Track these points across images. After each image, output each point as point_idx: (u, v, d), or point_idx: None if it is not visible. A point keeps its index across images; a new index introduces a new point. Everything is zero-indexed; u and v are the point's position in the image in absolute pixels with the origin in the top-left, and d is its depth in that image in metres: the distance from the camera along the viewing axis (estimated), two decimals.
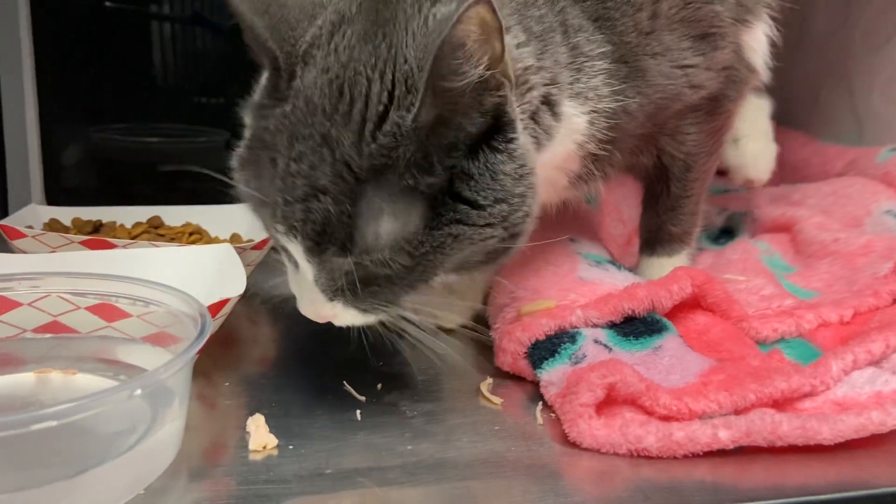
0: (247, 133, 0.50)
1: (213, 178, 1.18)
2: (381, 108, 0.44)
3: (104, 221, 0.82)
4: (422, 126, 0.44)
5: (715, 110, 0.69)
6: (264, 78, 0.50)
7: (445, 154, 0.46)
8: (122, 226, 0.81)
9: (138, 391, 0.40)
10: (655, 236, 0.76)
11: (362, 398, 0.55)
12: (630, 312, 0.61)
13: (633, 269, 0.77)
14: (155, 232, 0.79)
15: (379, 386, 0.57)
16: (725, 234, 0.90)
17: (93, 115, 1.11)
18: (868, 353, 0.56)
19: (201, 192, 1.03)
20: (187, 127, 1.18)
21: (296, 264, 0.50)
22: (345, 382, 0.57)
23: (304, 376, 0.58)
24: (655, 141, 0.68)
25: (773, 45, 0.70)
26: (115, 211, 0.84)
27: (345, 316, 0.50)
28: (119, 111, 1.15)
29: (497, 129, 0.48)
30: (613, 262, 0.74)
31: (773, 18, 0.70)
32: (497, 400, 0.56)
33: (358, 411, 0.53)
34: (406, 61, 0.45)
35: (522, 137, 0.49)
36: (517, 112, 0.49)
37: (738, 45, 0.67)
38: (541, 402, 0.56)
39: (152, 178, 1.12)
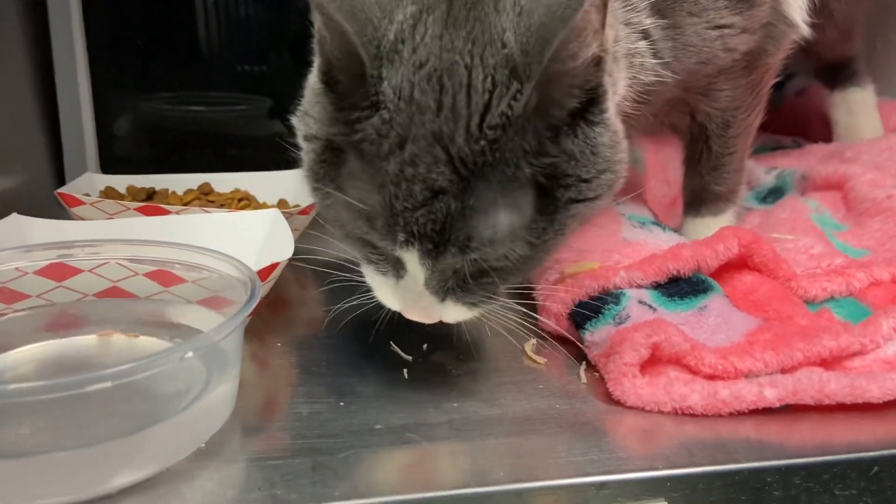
0: (314, 146, 0.48)
1: (259, 145, 1.19)
2: (486, 96, 0.42)
3: (157, 189, 0.85)
4: (530, 111, 0.43)
5: (752, 65, 0.67)
6: (321, 84, 0.47)
7: (550, 135, 0.44)
8: (173, 193, 0.84)
9: (189, 353, 0.41)
10: (699, 196, 0.75)
11: (409, 357, 0.56)
12: (675, 273, 0.61)
13: (678, 230, 0.77)
14: (206, 198, 0.81)
15: (424, 346, 0.58)
16: (774, 193, 0.88)
17: (142, 85, 1.13)
18: None
19: (247, 159, 1.05)
20: (231, 95, 1.19)
21: (396, 273, 0.48)
22: (391, 343, 0.58)
23: (351, 338, 0.60)
24: (687, 101, 0.66)
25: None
26: (167, 178, 0.87)
27: (454, 313, 0.49)
28: (166, 80, 1.16)
29: (592, 101, 0.46)
30: (658, 222, 0.73)
31: None
32: (541, 360, 0.57)
33: (405, 370, 0.55)
34: (505, 45, 0.43)
35: (611, 104, 0.48)
36: (608, 81, 0.48)
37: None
38: (584, 362, 0.56)
39: (200, 146, 1.14)
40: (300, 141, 0.51)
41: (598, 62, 0.45)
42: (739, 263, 0.64)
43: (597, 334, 0.57)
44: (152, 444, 0.42)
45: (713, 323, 0.58)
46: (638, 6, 0.55)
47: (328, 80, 0.46)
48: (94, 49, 1.01)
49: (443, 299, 0.48)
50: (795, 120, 1.07)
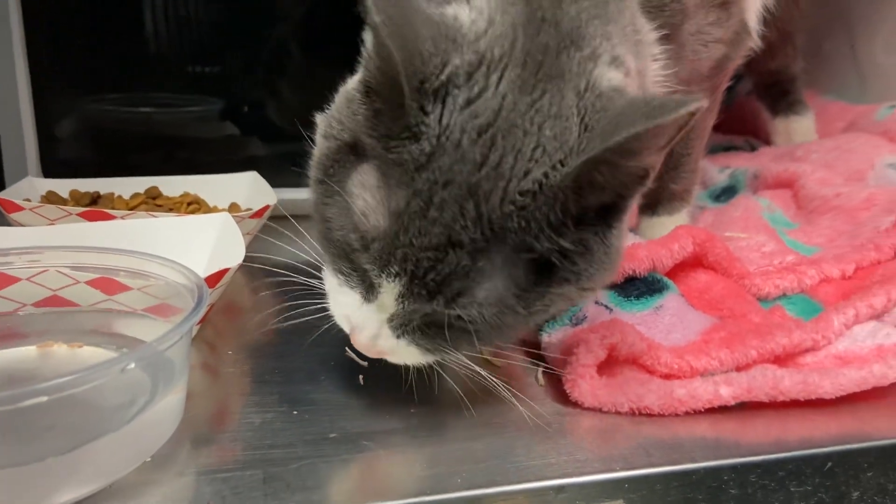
0: (331, 143, 0.47)
1: (210, 148, 1.17)
2: (530, 164, 0.42)
3: (102, 193, 0.82)
4: (566, 185, 0.41)
5: (717, 71, 0.69)
6: (359, 94, 0.46)
7: (574, 221, 0.43)
8: (119, 197, 0.81)
9: (131, 365, 0.40)
10: (656, 196, 0.75)
11: (364, 363, 0.55)
12: (631, 273, 0.61)
13: (634, 230, 0.77)
14: (153, 202, 0.79)
15: None
16: (727, 191, 0.90)
17: (87, 86, 1.09)
18: (870, 308, 0.56)
19: (198, 162, 1.03)
20: (181, 96, 1.17)
21: (365, 295, 0.46)
22: (347, 349, 0.57)
23: (306, 344, 0.59)
24: None
25: (766, 8, 0.71)
26: (113, 182, 0.84)
27: (404, 353, 0.47)
28: (114, 81, 1.13)
29: (618, 207, 0.45)
30: None
31: None
32: (499, 362, 0.56)
33: (361, 376, 0.54)
34: (567, 120, 0.43)
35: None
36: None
37: (741, 10, 0.67)
38: (542, 364, 0.56)
39: (149, 148, 1.11)
40: (317, 137, 0.49)
41: (645, 176, 0.44)
42: (694, 262, 0.65)
43: (554, 335, 0.56)
44: (95, 459, 0.40)
45: (669, 322, 0.58)
46: (649, 38, 0.55)
47: (367, 92, 0.45)
48: (33, 47, 0.97)
49: (399, 336, 0.46)
50: (746, 118, 1.09)
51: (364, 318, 0.47)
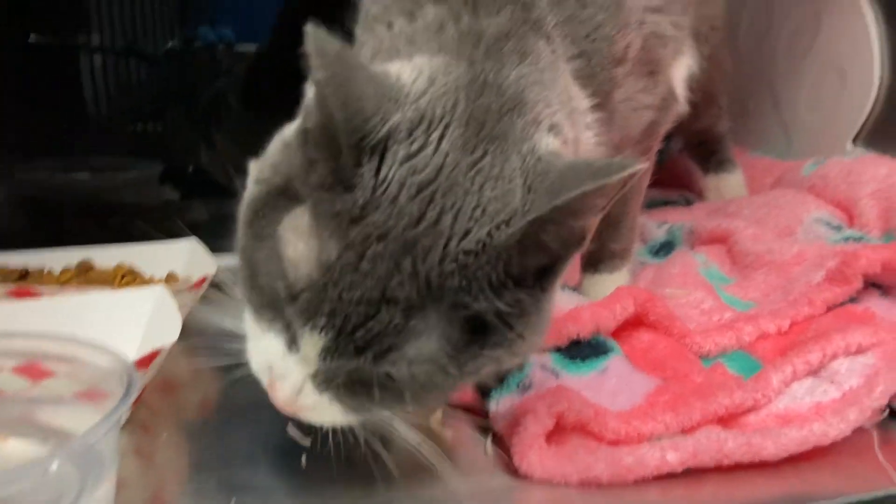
0: (264, 187, 0.46)
1: (146, 213, 1.14)
2: (470, 223, 0.42)
3: (31, 268, 0.78)
4: (510, 245, 0.41)
5: (649, 135, 0.71)
6: (296, 142, 0.46)
7: (513, 281, 0.43)
8: (49, 272, 0.78)
9: (54, 466, 0.38)
10: (597, 254, 0.77)
11: (307, 442, 0.54)
12: (575, 336, 0.61)
13: (577, 288, 0.78)
14: (85, 277, 0.76)
15: (324, 428, 0.55)
16: (665, 246, 0.92)
17: (17, 152, 1.07)
18: (806, 364, 0.57)
19: (134, 229, 1.00)
20: (119, 160, 1.14)
21: (290, 344, 0.44)
22: (289, 426, 0.55)
23: (246, 421, 0.57)
24: None
25: (692, 76, 0.73)
26: (43, 255, 0.80)
27: (326, 411, 0.45)
28: (47, 147, 1.11)
29: (553, 270, 0.45)
30: None
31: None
32: (447, 434, 0.55)
33: (303, 456, 0.52)
34: (511, 182, 0.43)
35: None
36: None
37: (668, 78, 0.69)
38: (490, 434, 0.55)
39: (82, 216, 1.08)
40: (249, 182, 0.48)
41: (583, 237, 0.45)
42: (636, 322, 0.65)
43: (501, 404, 0.56)
44: None
45: (615, 385, 0.58)
46: (582, 106, 0.56)
47: (305, 142, 0.44)
48: None
49: (322, 392, 0.44)
50: (680, 174, 1.12)
51: (287, 369, 0.44)
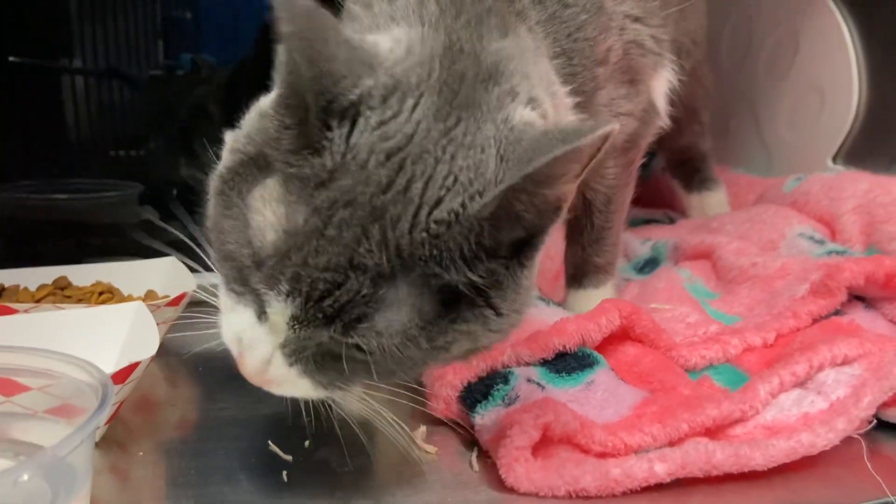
0: (237, 157, 0.45)
1: (125, 233, 1.12)
2: (442, 191, 0.41)
3: (6, 285, 0.77)
4: (483, 217, 0.41)
5: (630, 146, 0.72)
6: (271, 109, 0.44)
7: (487, 254, 0.42)
8: (25, 289, 0.76)
9: (24, 477, 0.36)
10: (581, 269, 0.76)
11: (289, 457, 0.52)
12: (561, 348, 0.61)
13: (562, 304, 0.77)
14: (61, 294, 0.74)
15: (306, 443, 0.54)
16: (650, 263, 0.92)
17: None
18: (793, 375, 0.57)
19: (113, 248, 0.99)
20: (99, 181, 1.13)
21: (260, 313, 0.44)
22: (269, 442, 0.54)
23: (225, 439, 0.55)
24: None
25: (673, 90, 0.74)
26: (19, 273, 0.79)
27: (295, 385, 0.45)
28: (26, 168, 1.10)
29: (530, 244, 0.45)
30: (542, 297, 0.74)
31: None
32: (432, 449, 0.54)
33: (285, 472, 0.50)
34: (483, 151, 0.42)
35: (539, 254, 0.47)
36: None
37: (649, 88, 0.70)
38: (476, 448, 0.54)
39: (60, 236, 1.07)
40: (223, 152, 0.47)
41: (559, 207, 0.44)
42: (622, 335, 0.65)
43: (487, 417, 0.55)
44: None
45: (601, 398, 0.58)
46: (565, 103, 0.56)
47: (278, 106, 0.43)
48: None
49: (291, 364, 0.43)
50: (663, 192, 1.13)
51: (256, 339, 0.44)
